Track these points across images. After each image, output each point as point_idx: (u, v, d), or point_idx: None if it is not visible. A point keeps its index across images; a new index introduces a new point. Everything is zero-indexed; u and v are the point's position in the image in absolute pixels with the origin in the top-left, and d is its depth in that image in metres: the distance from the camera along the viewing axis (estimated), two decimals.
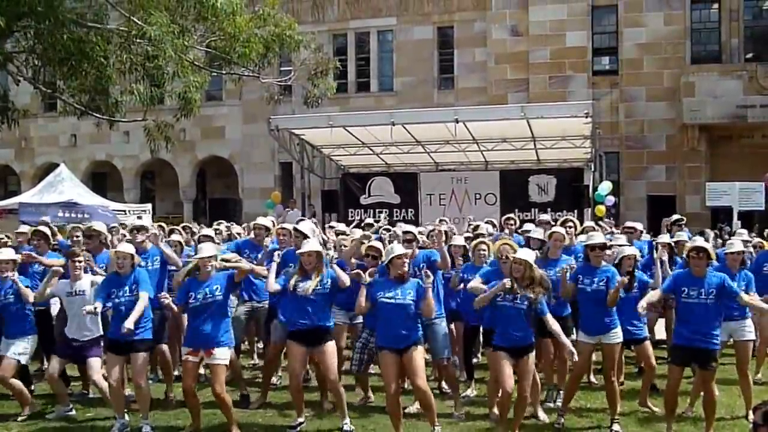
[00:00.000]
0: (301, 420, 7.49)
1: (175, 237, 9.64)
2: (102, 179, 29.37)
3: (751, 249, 9.55)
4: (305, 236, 7.82)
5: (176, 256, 8.76)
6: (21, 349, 7.91)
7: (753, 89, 21.38)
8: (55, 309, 9.04)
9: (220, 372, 7.12)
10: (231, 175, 27.92)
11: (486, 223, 11.55)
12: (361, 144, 18.51)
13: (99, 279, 7.88)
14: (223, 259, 7.43)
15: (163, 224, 11.58)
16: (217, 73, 16.53)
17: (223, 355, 7.16)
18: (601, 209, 17.07)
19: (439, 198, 18.12)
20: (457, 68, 25.38)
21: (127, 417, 7.46)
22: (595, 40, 23.95)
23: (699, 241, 7.55)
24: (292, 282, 7.22)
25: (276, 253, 7.83)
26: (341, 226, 11.37)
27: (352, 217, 17.84)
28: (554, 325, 6.85)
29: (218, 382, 7.10)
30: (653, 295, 7.20)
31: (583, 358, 7.49)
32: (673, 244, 9.48)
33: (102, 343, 7.82)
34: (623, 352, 7.99)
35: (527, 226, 10.99)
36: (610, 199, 17.83)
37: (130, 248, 7.54)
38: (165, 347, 8.56)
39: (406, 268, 6.91)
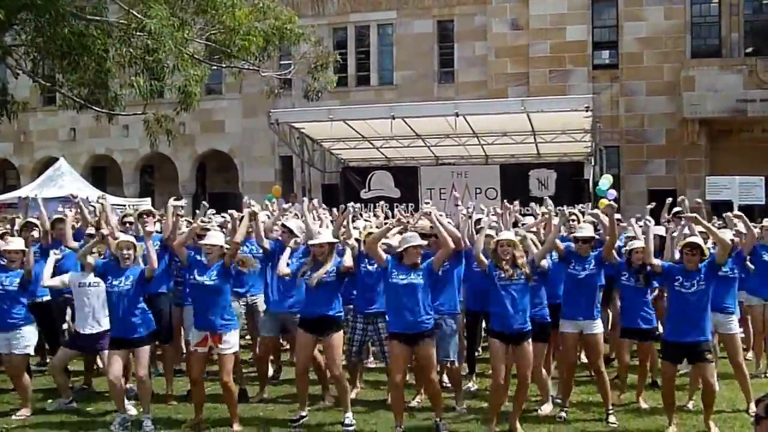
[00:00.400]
0: (303, 413, 7.48)
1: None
2: (101, 173, 29.32)
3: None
4: (292, 233, 7.89)
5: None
6: (27, 341, 7.88)
7: (753, 83, 21.34)
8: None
9: (228, 361, 7.16)
10: (231, 169, 27.87)
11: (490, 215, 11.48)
12: (362, 138, 18.48)
13: None
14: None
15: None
16: (216, 67, 16.49)
17: (232, 340, 7.18)
18: (603, 202, 17.03)
19: (440, 192, 18.09)
20: (457, 62, 25.34)
21: (132, 410, 7.47)
22: (596, 34, 23.89)
23: (693, 237, 7.56)
24: (303, 270, 7.28)
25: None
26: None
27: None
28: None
29: (226, 370, 7.13)
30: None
31: (567, 348, 7.57)
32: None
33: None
34: (630, 345, 7.99)
35: (528, 219, 10.95)
36: (612, 193, 17.79)
37: (131, 238, 7.53)
38: (166, 342, 8.56)
39: (419, 260, 6.89)
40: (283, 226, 8.18)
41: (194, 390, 7.44)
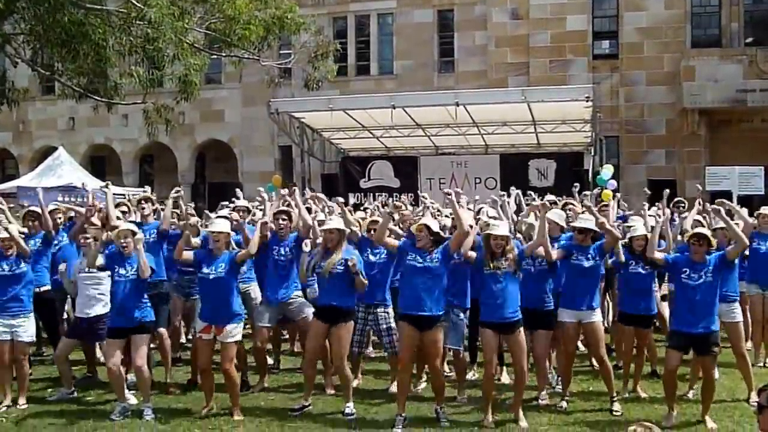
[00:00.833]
0: (306, 403, 7.50)
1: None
2: (101, 163, 29.26)
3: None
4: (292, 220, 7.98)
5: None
6: (31, 329, 7.87)
7: (753, 73, 21.30)
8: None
9: (230, 348, 7.20)
10: (230, 158, 27.83)
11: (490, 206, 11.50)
12: (361, 127, 18.46)
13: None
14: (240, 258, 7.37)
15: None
16: (216, 56, 16.46)
17: (234, 331, 7.22)
18: (607, 194, 17.03)
19: (439, 182, 18.09)
20: (457, 51, 25.28)
21: (132, 399, 7.48)
22: (596, 24, 23.84)
23: (699, 228, 7.57)
24: (315, 260, 7.33)
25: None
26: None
27: (351, 200, 17.83)
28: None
29: (228, 358, 7.18)
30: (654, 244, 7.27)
31: (567, 337, 7.59)
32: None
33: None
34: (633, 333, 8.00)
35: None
36: (612, 183, 17.78)
37: (133, 227, 7.53)
38: (164, 331, 8.55)
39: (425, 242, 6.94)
40: (284, 212, 8.19)
41: (203, 378, 7.46)
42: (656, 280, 8.51)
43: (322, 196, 10.70)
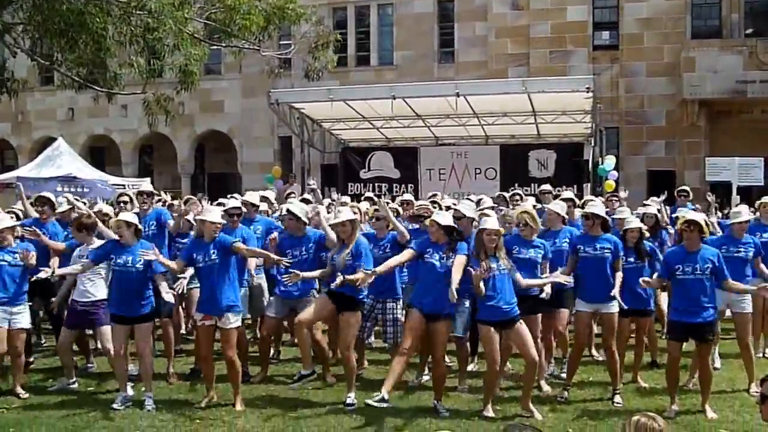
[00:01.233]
0: (305, 372, 7.55)
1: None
2: (100, 153, 29.26)
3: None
4: (298, 218, 7.91)
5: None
6: (26, 317, 7.86)
7: (753, 65, 21.31)
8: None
9: (231, 335, 7.18)
10: (230, 149, 27.82)
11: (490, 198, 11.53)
12: (362, 118, 18.44)
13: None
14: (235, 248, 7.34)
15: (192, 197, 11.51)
16: (217, 46, 16.42)
17: (234, 318, 7.21)
18: (610, 184, 17.05)
19: (439, 173, 18.12)
20: (457, 42, 25.26)
21: (130, 391, 7.48)
22: (596, 15, 23.84)
23: (691, 214, 7.57)
24: (331, 254, 7.32)
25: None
26: (346, 199, 11.45)
27: (351, 191, 17.84)
28: (529, 281, 7.15)
29: (230, 345, 7.15)
30: (653, 283, 7.26)
31: (582, 327, 7.58)
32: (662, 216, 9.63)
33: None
34: (629, 324, 7.99)
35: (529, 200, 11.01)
36: (614, 174, 17.80)
37: (129, 216, 7.49)
38: (167, 321, 8.54)
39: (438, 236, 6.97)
40: (288, 212, 8.17)
41: (204, 366, 7.45)
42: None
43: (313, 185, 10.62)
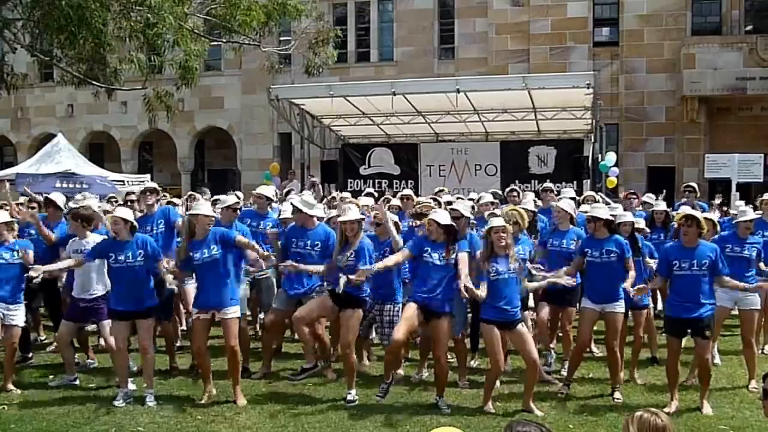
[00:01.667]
0: (307, 365, 7.62)
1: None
2: (99, 150, 29.22)
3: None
4: (300, 211, 7.85)
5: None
6: (21, 315, 7.84)
7: (753, 61, 21.31)
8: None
9: (232, 325, 7.16)
10: (230, 145, 27.80)
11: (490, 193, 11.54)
12: (362, 114, 18.44)
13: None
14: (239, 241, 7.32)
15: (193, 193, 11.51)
16: (217, 42, 16.41)
17: (233, 309, 7.19)
18: (612, 180, 17.07)
19: (439, 169, 18.12)
20: (457, 38, 25.22)
21: (131, 386, 7.48)
22: (596, 11, 23.80)
23: (688, 209, 7.58)
24: (335, 254, 7.30)
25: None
26: (346, 195, 11.46)
27: (351, 187, 17.84)
28: (541, 282, 7.18)
29: (232, 334, 7.14)
30: (654, 284, 7.36)
31: (585, 325, 7.56)
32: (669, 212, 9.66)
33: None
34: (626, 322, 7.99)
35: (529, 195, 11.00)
36: (615, 171, 17.81)
37: (125, 213, 7.47)
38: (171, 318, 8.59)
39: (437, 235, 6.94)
40: (292, 205, 8.15)
41: (199, 360, 7.44)
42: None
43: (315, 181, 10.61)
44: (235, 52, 17.45)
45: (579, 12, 23.56)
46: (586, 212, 8.45)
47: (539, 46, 23.75)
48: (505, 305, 6.80)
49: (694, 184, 12.25)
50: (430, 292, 6.89)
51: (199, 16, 14.60)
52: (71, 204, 9.27)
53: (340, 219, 7.38)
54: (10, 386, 7.77)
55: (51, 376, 8.28)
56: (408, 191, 11.41)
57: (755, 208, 9.57)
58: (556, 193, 10.71)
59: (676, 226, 7.37)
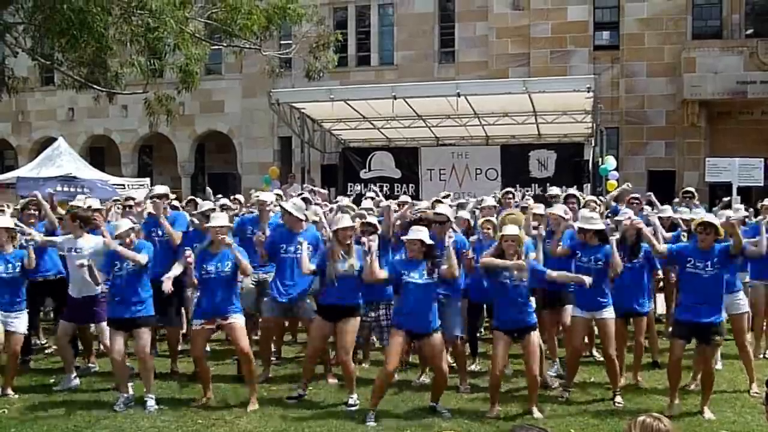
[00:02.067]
0: (303, 392, 7.53)
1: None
2: (100, 154, 29.24)
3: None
4: (289, 213, 7.85)
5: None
6: (23, 322, 7.84)
7: (753, 65, 21.32)
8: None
9: (240, 328, 7.18)
10: (230, 149, 27.81)
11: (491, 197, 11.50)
12: (362, 118, 18.44)
13: (100, 240, 7.81)
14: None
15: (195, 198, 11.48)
16: (218, 46, 16.43)
17: (238, 316, 7.22)
18: (612, 184, 17.04)
19: (440, 173, 18.11)
20: (457, 42, 25.24)
21: (131, 390, 7.47)
22: (597, 15, 23.81)
23: (705, 215, 7.56)
24: (329, 265, 7.19)
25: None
26: (346, 201, 11.43)
27: (351, 191, 17.85)
28: (554, 273, 7.05)
29: (241, 338, 7.16)
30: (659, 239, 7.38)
31: (577, 334, 7.55)
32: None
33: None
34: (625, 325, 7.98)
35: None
36: (615, 174, 17.79)
37: (127, 223, 7.49)
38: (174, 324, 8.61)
39: (416, 254, 6.85)
40: (281, 207, 8.14)
41: (198, 367, 7.44)
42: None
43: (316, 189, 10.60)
44: (235, 56, 17.48)
45: (579, 16, 23.58)
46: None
47: (540, 49, 23.77)
48: (517, 312, 6.82)
49: (693, 189, 12.24)
50: (414, 313, 6.79)
51: (200, 20, 14.61)
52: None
53: (334, 228, 7.35)
54: (10, 391, 7.76)
55: (52, 380, 8.27)
56: (405, 197, 11.38)
57: (756, 213, 9.57)
58: (563, 197, 10.58)
59: (692, 228, 7.31)
